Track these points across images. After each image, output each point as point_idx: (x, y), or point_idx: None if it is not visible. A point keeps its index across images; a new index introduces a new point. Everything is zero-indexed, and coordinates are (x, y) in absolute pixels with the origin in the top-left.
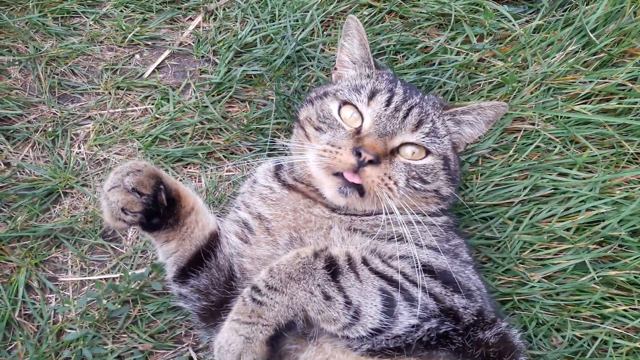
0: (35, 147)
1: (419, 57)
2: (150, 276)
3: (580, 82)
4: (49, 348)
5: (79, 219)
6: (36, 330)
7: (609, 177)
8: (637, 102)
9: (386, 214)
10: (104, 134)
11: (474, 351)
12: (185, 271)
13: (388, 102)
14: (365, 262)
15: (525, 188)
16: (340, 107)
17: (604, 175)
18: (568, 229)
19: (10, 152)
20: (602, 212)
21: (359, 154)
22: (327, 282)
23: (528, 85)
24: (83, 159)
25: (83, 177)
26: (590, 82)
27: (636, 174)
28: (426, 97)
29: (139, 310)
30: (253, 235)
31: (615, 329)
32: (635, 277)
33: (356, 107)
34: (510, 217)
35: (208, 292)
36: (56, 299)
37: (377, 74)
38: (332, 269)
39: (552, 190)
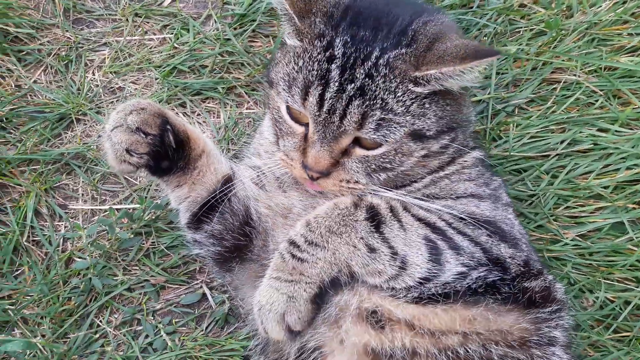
0: (47, 71)
1: None
2: (168, 207)
3: (627, 34)
4: (57, 275)
5: (92, 147)
6: (44, 257)
7: None
8: None
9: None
10: (120, 61)
11: (520, 297)
12: (198, 217)
13: (320, 101)
14: (406, 209)
15: (562, 142)
16: (288, 107)
17: None
18: (606, 187)
19: (22, 74)
20: None
21: (307, 173)
22: (370, 233)
23: (571, 34)
24: (97, 85)
25: (97, 104)
26: (638, 34)
27: None
28: (389, 56)
29: (152, 242)
30: (269, 183)
31: None
32: None
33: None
34: (545, 171)
35: (222, 237)
36: (65, 227)
37: (308, 44)
38: (375, 218)
39: (591, 146)
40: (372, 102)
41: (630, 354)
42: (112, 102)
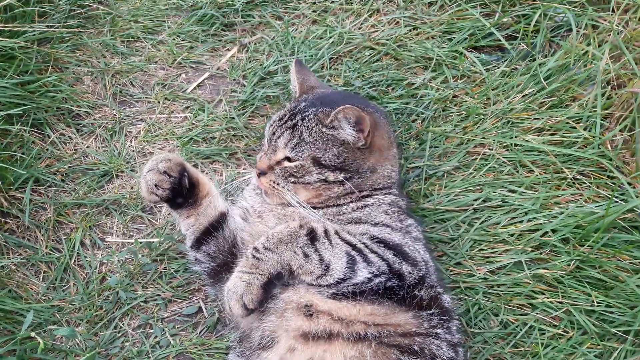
0: (97, 139)
1: (405, 91)
2: (177, 241)
3: (534, 119)
4: (93, 289)
5: (126, 196)
6: (85, 276)
7: (549, 195)
8: (578, 138)
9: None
10: (151, 133)
11: (410, 301)
12: (199, 240)
13: (273, 128)
14: (337, 233)
15: (478, 199)
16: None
17: (545, 193)
18: (511, 235)
19: (79, 142)
20: (541, 223)
21: (255, 170)
22: (307, 245)
23: (491, 118)
24: (133, 150)
25: (132, 165)
26: (542, 118)
27: (572, 194)
28: (318, 110)
29: (164, 267)
30: (251, 217)
31: (542, 317)
32: (561, 276)
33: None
34: (463, 221)
35: (215, 256)
36: (102, 254)
37: (291, 104)
38: (312, 236)
39: (501, 203)
40: (294, 133)
41: None
42: (143, 163)
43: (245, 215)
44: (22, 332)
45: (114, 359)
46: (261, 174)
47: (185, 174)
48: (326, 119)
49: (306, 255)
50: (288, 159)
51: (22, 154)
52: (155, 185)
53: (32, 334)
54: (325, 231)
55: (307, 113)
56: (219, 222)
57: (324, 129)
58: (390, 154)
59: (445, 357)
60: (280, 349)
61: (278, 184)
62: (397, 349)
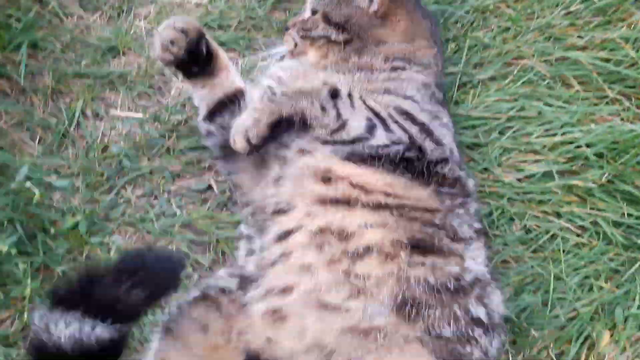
0: (103, 16)
1: None
2: (190, 114)
3: (578, 37)
4: (95, 156)
5: (133, 72)
6: (85, 145)
7: (587, 111)
8: (625, 57)
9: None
10: (162, 15)
11: (430, 177)
12: (213, 112)
13: None
14: (362, 98)
15: (513, 109)
16: None
17: (584, 107)
18: (544, 146)
19: (82, 15)
20: (575, 137)
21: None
22: (327, 100)
23: (532, 31)
24: (141, 30)
25: (140, 44)
26: (586, 36)
27: (610, 114)
28: None
29: (173, 142)
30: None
31: (567, 226)
32: (592, 188)
33: None
34: (494, 128)
35: (229, 127)
36: (105, 126)
37: None
38: (334, 94)
39: (536, 115)
40: None
41: (541, 265)
42: (152, 43)
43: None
44: (16, 181)
45: (115, 223)
46: (286, 30)
47: (204, 40)
48: None
49: (323, 109)
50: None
51: (18, 19)
52: (171, 42)
53: (28, 184)
54: (350, 94)
55: None
56: (235, 96)
57: None
58: (419, 42)
59: (466, 236)
60: (297, 214)
61: (291, 35)
62: (418, 222)
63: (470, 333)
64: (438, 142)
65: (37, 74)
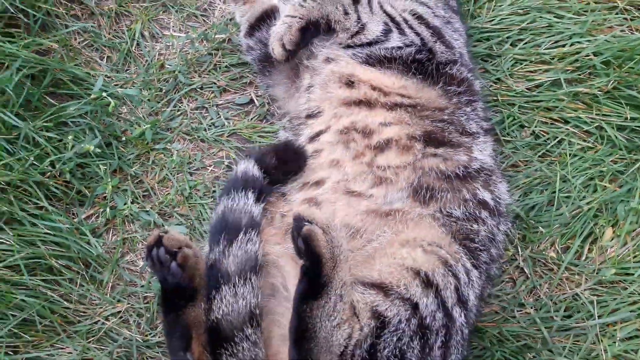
0: None
1: None
2: (232, 32)
3: None
4: (154, 73)
5: None
6: (145, 63)
7: (596, 20)
8: None
9: None
10: None
11: (439, 76)
12: (253, 27)
13: None
14: (380, 3)
15: (524, 21)
16: None
17: (592, 17)
18: (553, 57)
19: None
20: (584, 47)
21: None
22: (349, 4)
23: None
24: None
25: None
26: None
27: (619, 24)
28: None
29: (219, 59)
30: None
31: (574, 131)
32: (597, 95)
33: None
34: (506, 40)
35: (266, 42)
36: (160, 46)
37: None
38: (355, 2)
39: (547, 26)
40: None
41: (549, 168)
42: None
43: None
44: (94, 91)
45: (174, 132)
46: None
47: None
48: None
49: (346, 13)
50: None
51: None
52: None
53: (104, 94)
54: (369, 1)
55: None
56: (272, 12)
57: None
58: None
59: (473, 131)
60: (326, 116)
61: None
62: (429, 119)
63: (478, 214)
64: (448, 45)
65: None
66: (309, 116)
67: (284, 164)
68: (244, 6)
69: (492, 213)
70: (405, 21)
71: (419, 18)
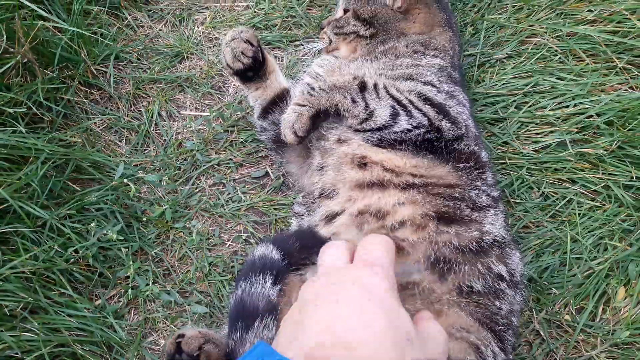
0: (167, 24)
1: None
2: (247, 111)
3: (587, 11)
4: (172, 152)
5: (196, 75)
6: (163, 142)
7: (597, 81)
8: (632, 29)
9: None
10: (216, 20)
11: (448, 154)
12: (266, 110)
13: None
14: (386, 88)
15: (528, 85)
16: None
17: (593, 78)
18: (558, 118)
19: (150, 25)
20: (586, 107)
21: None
22: (356, 93)
23: (544, 9)
24: (200, 36)
25: (200, 48)
26: (596, 10)
27: (620, 83)
28: None
29: (234, 136)
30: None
31: (581, 191)
32: (602, 155)
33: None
34: (512, 104)
35: (279, 122)
36: (177, 125)
37: None
38: (362, 87)
39: (550, 89)
40: None
41: (559, 229)
42: (210, 47)
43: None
44: (115, 178)
45: (193, 209)
46: (321, 29)
47: (260, 48)
48: None
49: (354, 101)
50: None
51: (101, 35)
52: (242, 53)
53: (125, 180)
54: (375, 85)
55: None
56: (283, 95)
57: None
58: (435, 30)
59: (484, 204)
60: (340, 199)
61: (326, 33)
62: (440, 197)
63: (497, 286)
64: (454, 121)
65: (120, 82)
66: (323, 195)
67: (306, 249)
68: (256, 92)
69: (509, 285)
70: (412, 103)
71: (425, 99)
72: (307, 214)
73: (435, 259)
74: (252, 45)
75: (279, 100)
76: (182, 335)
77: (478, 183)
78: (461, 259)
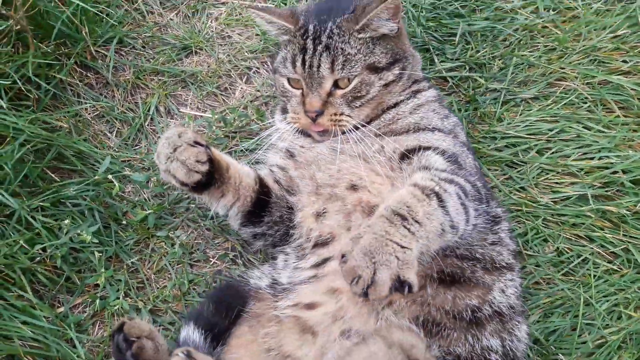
0: (179, 14)
1: (493, 13)
2: (253, 118)
3: (622, 61)
4: None
5: (203, 72)
6: (157, 139)
7: (626, 135)
8: None
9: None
10: (232, 17)
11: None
12: (254, 214)
13: (303, 63)
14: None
15: (552, 130)
16: (288, 80)
17: (622, 132)
18: (581, 169)
19: (161, 13)
20: (612, 162)
21: (308, 115)
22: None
23: (577, 53)
24: (212, 31)
25: (210, 44)
26: (631, 61)
27: None
28: (337, 22)
29: (236, 143)
30: (298, 155)
31: (599, 251)
32: (624, 215)
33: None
34: (533, 148)
35: (281, 220)
36: (175, 123)
37: (293, 36)
38: (441, 201)
39: (575, 137)
40: (335, 52)
41: (572, 289)
42: (221, 45)
43: (289, 154)
44: (99, 173)
45: (179, 218)
46: (318, 114)
47: (207, 145)
48: (357, 23)
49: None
50: (336, 85)
51: (107, 15)
52: (196, 161)
53: (110, 176)
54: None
55: (328, 29)
56: (265, 188)
57: (359, 34)
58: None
59: (503, 264)
60: (337, 245)
61: (342, 114)
62: (453, 256)
63: (487, 356)
64: (465, 171)
65: (119, 69)
66: (318, 245)
67: (225, 307)
68: (223, 199)
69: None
70: (440, 186)
71: (442, 150)
72: (295, 257)
73: (425, 320)
74: (201, 145)
75: (266, 194)
76: (131, 319)
77: (498, 237)
78: (451, 324)
